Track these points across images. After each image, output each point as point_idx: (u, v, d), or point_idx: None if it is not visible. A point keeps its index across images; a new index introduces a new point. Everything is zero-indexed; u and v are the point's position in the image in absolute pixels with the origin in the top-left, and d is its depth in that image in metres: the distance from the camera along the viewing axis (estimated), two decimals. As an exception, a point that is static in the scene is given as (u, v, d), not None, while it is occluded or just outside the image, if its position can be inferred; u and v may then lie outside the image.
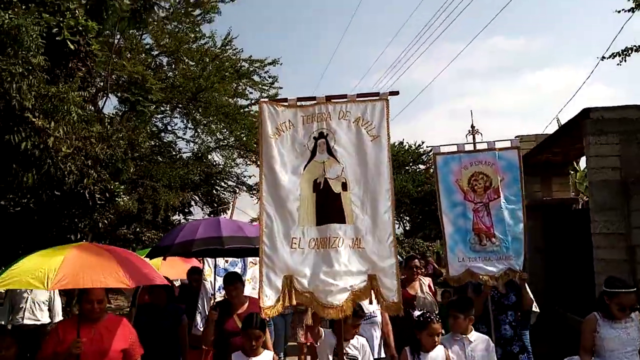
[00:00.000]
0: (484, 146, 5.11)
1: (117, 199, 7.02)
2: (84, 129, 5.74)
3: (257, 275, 4.57)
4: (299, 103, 3.57)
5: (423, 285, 5.64)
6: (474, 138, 5.26)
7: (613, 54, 6.70)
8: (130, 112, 11.17)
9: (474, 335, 4.08)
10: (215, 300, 5.70)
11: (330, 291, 3.15)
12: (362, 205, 3.35)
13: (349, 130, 3.47)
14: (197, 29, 15.78)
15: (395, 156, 26.95)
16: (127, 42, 13.42)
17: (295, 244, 3.30)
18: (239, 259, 6.67)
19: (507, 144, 5.08)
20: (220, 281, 5.63)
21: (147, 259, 5.08)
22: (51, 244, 4.71)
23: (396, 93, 3.56)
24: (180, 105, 16.13)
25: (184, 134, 18.11)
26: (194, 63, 15.44)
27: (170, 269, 7.47)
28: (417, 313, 3.50)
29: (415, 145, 29.16)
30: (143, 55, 14.61)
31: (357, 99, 3.52)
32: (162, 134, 17.80)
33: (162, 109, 15.79)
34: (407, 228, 29.39)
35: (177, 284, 8.45)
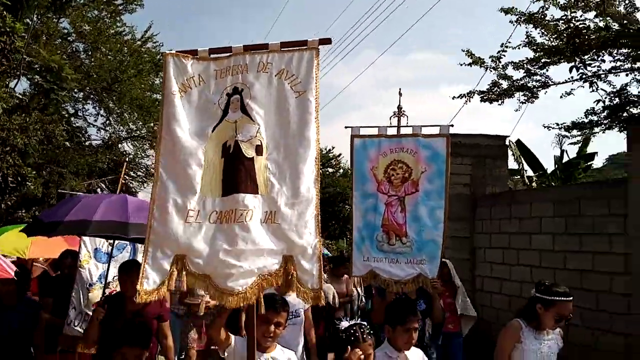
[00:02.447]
0: (409, 131, 4.49)
1: (28, 183, 7.44)
2: (8, 121, 6.19)
3: None
4: (212, 55, 3.00)
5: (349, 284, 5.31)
6: (398, 121, 5.10)
7: (461, 95, 8.21)
8: (40, 95, 11.32)
9: (412, 352, 3.27)
10: (105, 296, 4.48)
11: (232, 274, 2.54)
12: (280, 172, 2.73)
13: (269, 85, 2.86)
14: (118, 19, 15.97)
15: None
16: (44, 26, 13.41)
17: (191, 217, 2.68)
18: (128, 242, 5.42)
19: (436, 131, 4.44)
20: (101, 269, 4.78)
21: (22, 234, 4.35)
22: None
23: (328, 41, 2.92)
24: (93, 94, 16.20)
25: (95, 120, 18.04)
26: (111, 53, 15.61)
27: (46, 247, 6.44)
28: (344, 324, 2.94)
29: (325, 149, 30.68)
30: (59, 40, 14.60)
31: (282, 49, 2.91)
32: (72, 119, 17.67)
33: (75, 95, 15.78)
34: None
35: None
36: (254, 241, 2.60)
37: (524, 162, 12.53)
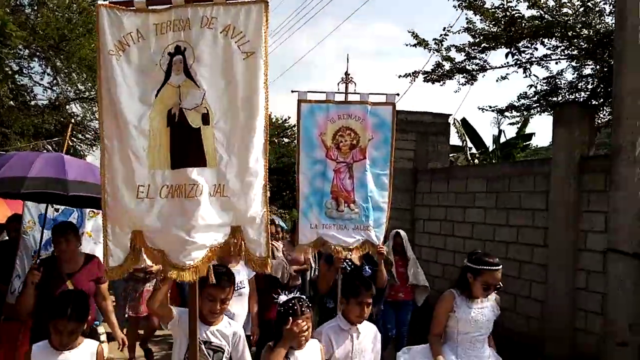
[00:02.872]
0: (357, 98, 4.46)
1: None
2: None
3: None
4: (150, 7, 2.67)
5: (275, 251, 5.25)
6: (346, 87, 4.68)
7: (406, 74, 8.55)
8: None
9: (363, 325, 3.33)
10: (40, 258, 4.25)
11: (184, 249, 2.50)
12: (228, 143, 2.58)
13: (215, 44, 2.58)
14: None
15: (260, 127, 28.32)
16: (-16, -23, 12.70)
17: (141, 192, 2.56)
18: (75, 208, 5.30)
19: (382, 99, 4.44)
20: (47, 235, 4.50)
21: None
22: None
23: None
24: (40, 51, 15.56)
25: (41, 79, 17.43)
26: (59, 10, 14.99)
27: None
28: (282, 298, 2.97)
29: (281, 119, 30.69)
30: (2, -8, 13.85)
31: (227, 1, 2.62)
32: (17, 77, 16.95)
33: (20, 52, 15.13)
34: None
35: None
36: (203, 216, 2.53)
37: (467, 139, 13.12)
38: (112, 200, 2.61)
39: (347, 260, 4.39)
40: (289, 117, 30.36)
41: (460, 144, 13.29)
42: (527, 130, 12.34)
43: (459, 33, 7.71)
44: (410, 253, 6.02)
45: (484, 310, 3.34)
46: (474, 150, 13.67)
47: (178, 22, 2.62)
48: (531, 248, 6.85)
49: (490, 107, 9.28)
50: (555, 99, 8.13)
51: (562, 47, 7.26)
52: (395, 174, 4.47)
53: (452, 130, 11.14)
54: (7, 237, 5.50)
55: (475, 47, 7.40)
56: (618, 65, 5.29)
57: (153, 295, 2.83)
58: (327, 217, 4.26)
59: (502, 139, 12.69)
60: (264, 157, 2.63)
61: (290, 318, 2.85)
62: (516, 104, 8.59)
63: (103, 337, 6.04)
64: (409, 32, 7.95)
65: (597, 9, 6.79)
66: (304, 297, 3.09)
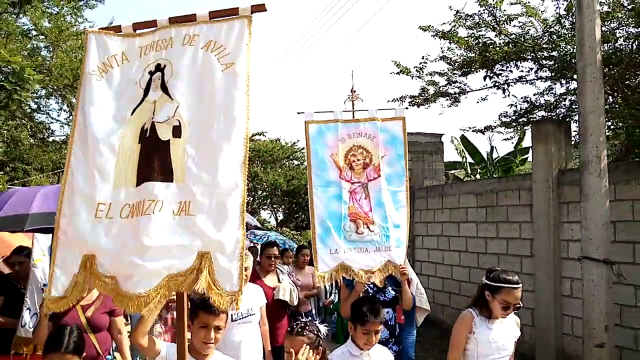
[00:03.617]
0: (365, 115, 4.31)
1: (-5, 183, 7.82)
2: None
3: None
4: (137, 30, 2.68)
5: (280, 274, 5.02)
6: (353, 105, 4.53)
7: (394, 99, 9.01)
8: (1, 95, 11.57)
9: (375, 349, 3.14)
10: None
11: (133, 275, 2.21)
12: (200, 157, 2.38)
13: (194, 60, 2.52)
14: (79, 14, 16.18)
15: (270, 152, 29.09)
16: (2, 23, 13.58)
17: (101, 211, 2.35)
18: None
19: (392, 114, 4.36)
20: None
21: None
22: None
23: (262, 8, 2.56)
24: (56, 90, 16.42)
25: (58, 115, 18.22)
26: (73, 52, 15.85)
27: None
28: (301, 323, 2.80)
29: (290, 143, 31.33)
30: (20, 37, 14.76)
31: (211, 19, 2.59)
32: (34, 114, 17.82)
33: (37, 92, 15.98)
34: (280, 218, 31.54)
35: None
36: (160, 237, 2.23)
37: (467, 155, 13.50)
38: (67, 222, 2.40)
39: (369, 283, 4.11)
40: (298, 140, 30.99)
41: (460, 160, 13.68)
42: (525, 144, 12.71)
43: (435, 61, 8.23)
44: (412, 275, 5.40)
45: (504, 331, 3.14)
46: (475, 166, 14.03)
47: (161, 42, 2.61)
48: (520, 258, 7.21)
49: (470, 127, 9.84)
50: (534, 117, 8.57)
51: (535, 69, 7.74)
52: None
53: (451, 147, 11.55)
54: (10, 271, 5.29)
55: (456, 72, 7.88)
56: (581, 85, 5.71)
57: (136, 328, 2.51)
58: (347, 241, 3.99)
59: (495, 155, 13.08)
60: (241, 172, 2.35)
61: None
62: (493, 124, 9.10)
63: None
64: (392, 61, 8.47)
65: (560, 33, 7.27)
66: (316, 322, 2.91)
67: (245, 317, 3.69)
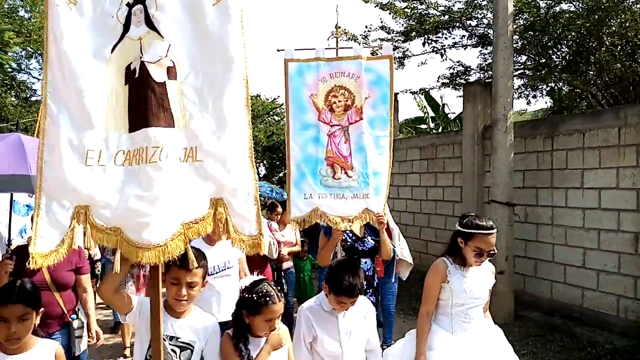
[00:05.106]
0: (349, 53, 4.03)
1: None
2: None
3: None
4: None
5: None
6: (336, 42, 4.30)
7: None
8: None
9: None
10: (11, 247, 3.88)
11: (147, 224, 2.12)
12: (201, 100, 2.26)
13: None
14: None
15: (251, 108, 29.58)
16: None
17: (92, 158, 2.22)
18: None
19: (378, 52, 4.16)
20: (22, 223, 4.11)
21: None
22: None
23: None
24: (36, 51, 16.86)
25: (40, 74, 18.64)
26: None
27: None
28: (246, 281, 2.63)
29: (271, 99, 31.86)
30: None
31: None
32: (16, 74, 18.24)
33: (17, 54, 16.43)
34: (263, 173, 32.52)
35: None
36: (170, 184, 2.14)
37: (429, 110, 14.45)
38: (52, 170, 2.18)
39: (347, 232, 4.00)
40: (278, 96, 31.48)
41: (422, 115, 14.62)
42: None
43: (376, 30, 9.03)
44: (392, 225, 5.25)
45: (479, 279, 3.02)
46: (437, 121, 15.00)
47: None
48: (452, 204, 8.30)
49: (407, 89, 10.94)
50: (469, 78, 9.49)
51: (467, 37, 8.61)
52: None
53: (414, 103, 12.42)
54: None
55: (399, 38, 8.68)
56: (494, 53, 6.62)
57: (105, 281, 2.40)
58: (322, 186, 3.84)
59: (447, 110, 14.11)
60: (246, 114, 2.23)
61: (265, 307, 2.45)
62: (427, 87, 10.09)
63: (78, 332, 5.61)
64: (338, 27, 9.19)
65: (484, 5, 8.13)
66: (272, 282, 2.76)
67: (223, 269, 3.60)
